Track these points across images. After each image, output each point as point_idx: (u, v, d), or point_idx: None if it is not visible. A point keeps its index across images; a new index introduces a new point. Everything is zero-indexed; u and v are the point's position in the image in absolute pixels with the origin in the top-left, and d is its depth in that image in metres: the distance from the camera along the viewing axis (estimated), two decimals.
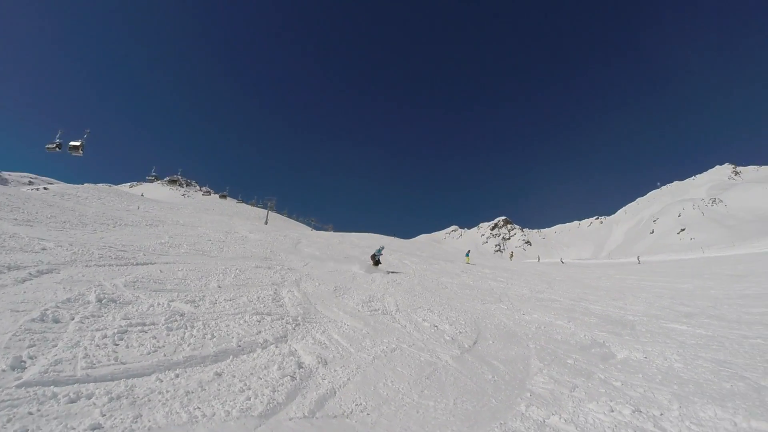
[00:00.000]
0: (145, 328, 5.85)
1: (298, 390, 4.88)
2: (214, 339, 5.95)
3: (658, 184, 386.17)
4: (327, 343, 6.86)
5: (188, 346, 5.50)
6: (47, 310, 5.75)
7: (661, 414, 5.24)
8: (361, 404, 4.86)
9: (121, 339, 5.28)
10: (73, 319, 5.66)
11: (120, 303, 6.81)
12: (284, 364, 5.49)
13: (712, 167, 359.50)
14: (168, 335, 5.75)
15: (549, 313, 12.60)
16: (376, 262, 19.11)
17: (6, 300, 5.96)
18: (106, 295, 6.98)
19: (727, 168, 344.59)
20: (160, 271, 9.95)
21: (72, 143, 34.92)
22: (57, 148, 34.57)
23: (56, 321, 5.46)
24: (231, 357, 5.45)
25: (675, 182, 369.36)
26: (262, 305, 8.50)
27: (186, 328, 6.16)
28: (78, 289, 7.08)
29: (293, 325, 7.50)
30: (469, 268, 25.54)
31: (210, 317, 6.99)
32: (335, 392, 5.05)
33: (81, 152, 35.35)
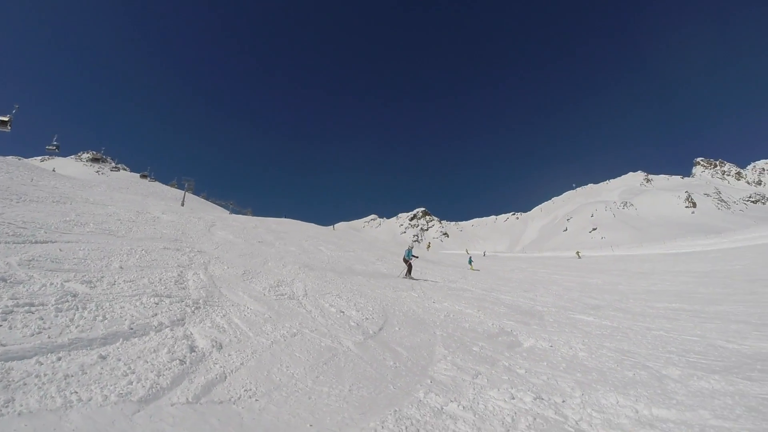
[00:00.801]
0: (33, 308, 5.72)
1: (185, 375, 4.82)
2: (105, 321, 5.88)
3: (574, 185, 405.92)
4: (226, 327, 6.85)
5: (76, 328, 5.43)
6: None
7: (563, 401, 5.46)
8: (250, 390, 4.81)
9: (5, 320, 5.16)
10: None
11: (10, 283, 6.60)
12: (175, 347, 5.49)
13: (626, 173, 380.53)
14: (56, 316, 5.65)
15: (459, 302, 13.15)
16: (410, 268, 19.26)
17: None
18: None
19: (639, 175, 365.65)
20: (60, 250, 9.58)
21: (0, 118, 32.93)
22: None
23: None
24: (121, 340, 5.40)
25: (590, 184, 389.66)
26: (163, 287, 8.36)
27: (77, 310, 6.05)
28: None
29: (193, 309, 7.43)
30: (384, 256, 26.05)
31: (105, 298, 6.85)
32: (225, 377, 5.00)
33: (9, 128, 33.58)
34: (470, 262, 33.02)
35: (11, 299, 5.87)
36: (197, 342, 5.95)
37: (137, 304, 6.97)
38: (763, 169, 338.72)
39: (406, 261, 19.42)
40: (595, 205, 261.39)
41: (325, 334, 7.59)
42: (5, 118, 33.76)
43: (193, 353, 5.47)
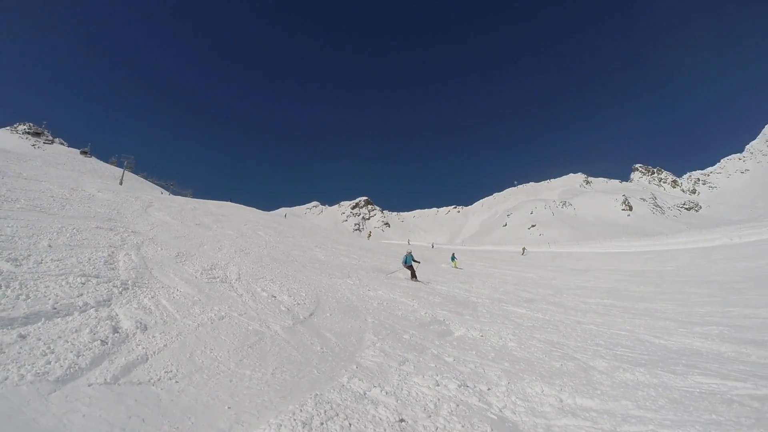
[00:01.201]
0: None
1: (106, 355, 4.88)
2: (29, 300, 5.87)
3: (515, 182, 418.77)
4: (153, 308, 6.90)
5: None
6: None
7: (489, 389, 5.77)
8: (171, 371, 4.91)
9: None
10: None
11: None
12: (98, 328, 5.55)
13: (567, 174, 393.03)
14: None
15: (395, 291, 13.42)
16: (413, 273, 19.09)
17: None
18: None
19: (579, 176, 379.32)
20: None
21: None
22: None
23: None
24: (43, 320, 5.41)
25: (531, 183, 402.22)
26: (91, 267, 8.21)
27: None
28: None
29: (120, 290, 7.39)
30: (323, 243, 26.06)
31: (30, 277, 6.74)
32: (147, 358, 5.08)
33: None
34: (453, 258, 32.38)
35: None
36: (122, 323, 6.01)
37: (63, 283, 6.88)
38: (698, 179, 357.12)
39: (408, 266, 19.40)
40: (535, 203, 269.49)
41: (254, 318, 7.72)
42: None
43: (116, 334, 5.55)
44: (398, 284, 15.47)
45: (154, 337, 5.81)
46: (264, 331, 7.07)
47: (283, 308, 8.78)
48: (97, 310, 6.21)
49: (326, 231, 47.71)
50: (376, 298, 11.75)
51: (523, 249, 71.38)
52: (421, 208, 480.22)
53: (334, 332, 7.92)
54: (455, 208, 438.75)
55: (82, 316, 5.89)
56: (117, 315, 6.27)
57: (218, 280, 9.98)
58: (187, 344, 5.85)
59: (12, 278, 6.48)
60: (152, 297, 7.49)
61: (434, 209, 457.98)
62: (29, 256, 7.88)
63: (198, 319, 6.92)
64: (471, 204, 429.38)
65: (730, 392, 5.84)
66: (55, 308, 5.85)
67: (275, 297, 9.54)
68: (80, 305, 6.21)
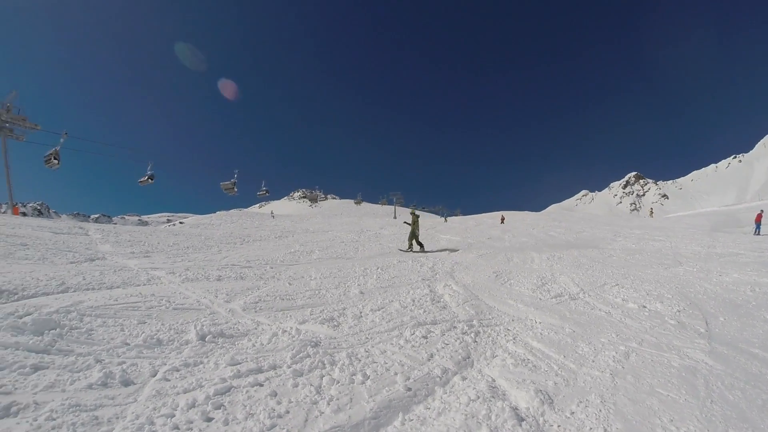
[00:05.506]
0: (261, 378, 3.65)
1: None
2: (368, 381, 3.71)
3: None
4: (529, 358, 4.52)
5: (328, 404, 3.25)
6: (120, 363, 3.75)
7: None
8: None
9: (219, 408, 3.09)
10: (154, 375, 3.59)
11: (231, 337, 4.77)
12: (493, 418, 3.13)
13: None
14: (294, 390, 3.48)
15: (743, 271, 9.82)
16: (417, 243, 15.32)
17: (65, 361, 3.71)
18: (214, 328, 4.97)
19: None
20: (289, 284, 8.24)
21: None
22: (149, 180, 35.93)
23: (126, 383, 3.38)
24: (399, 415, 3.19)
25: None
26: (420, 311, 6.38)
27: (322, 368, 3.95)
28: (175, 323, 5.18)
29: (472, 336, 5.22)
30: (620, 231, 22.60)
31: (356, 341, 4.91)
32: None
33: (235, 191, 37.46)
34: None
35: (230, 365, 3.88)
36: (513, 398, 3.55)
37: (401, 342, 4.87)
38: None
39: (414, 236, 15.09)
40: None
41: (658, 345, 5.01)
42: (146, 176, 36.71)
43: (523, 424, 3.07)
44: (737, 260, 11.33)
45: (574, 414, 3.27)
46: (694, 366, 4.31)
47: (671, 322, 5.97)
48: (464, 379, 3.95)
49: (608, 217, 43.59)
50: (739, 284, 8.30)
51: None
52: (696, 169, 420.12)
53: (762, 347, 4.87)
54: (735, 157, 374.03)
55: (449, 394, 3.61)
56: (495, 381, 3.86)
57: (565, 297, 7.59)
58: (628, 418, 3.23)
59: (335, 348, 4.58)
60: (514, 339, 5.22)
61: (712, 166, 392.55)
62: (344, 310, 6.40)
63: (600, 364, 4.35)
64: (751, 148, 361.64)
65: None
66: (408, 387, 3.60)
67: (645, 307, 6.83)
68: (438, 375, 3.95)
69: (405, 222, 17.24)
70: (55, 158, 32.40)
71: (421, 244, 15.15)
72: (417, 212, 15.93)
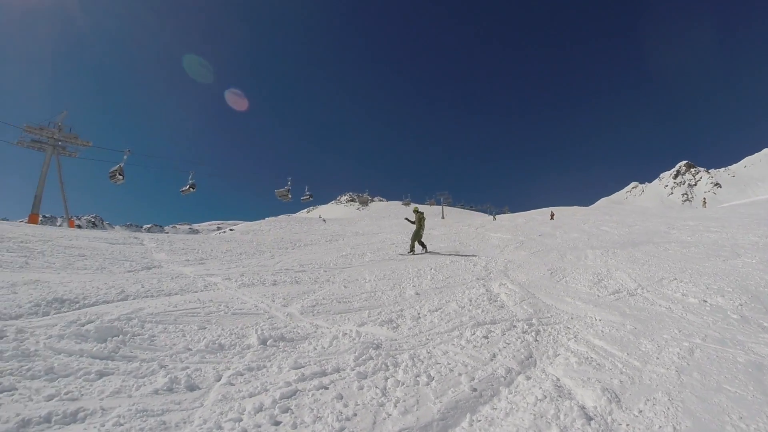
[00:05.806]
0: (325, 381, 3.60)
1: None
2: (433, 383, 3.61)
3: None
4: (592, 356, 4.39)
5: (394, 406, 3.19)
6: (184, 369, 3.77)
7: None
8: None
9: (286, 412, 3.06)
10: (218, 380, 3.59)
11: (291, 341, 4.76)
12: (562, 417, 3.03)
13: None
14: (360, 393, 3.43)
15: None
16: (420, 244, 14.52)
17: (129, 367, 3.74)
18: (275, 332, 4.97)
19: None
20: (344, 287, 8.26)
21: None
22: (191, 189, 36.71)
23: (191, 388, 3.39)
24: (467, 416, 3.11)
25: None
26: (479, 311, 6.28)
27: (386, 370, 3.90)
28: (235, 328, 5.19)
29: (533, 334, 5.11)
30: (674, 224, 21.91)
31: (417, 342, 4.83)
32: None
33: (290, 197, 38.24)
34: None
35: (294, 369, 3.84)
36: (580, 396, 3.44)
37: (462, 342, 4.78)
38: None
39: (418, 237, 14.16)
40: None
41: (723, 341, 4.87)
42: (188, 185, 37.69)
43: (591, 423, 2.98)
44: None
45: (641, 413, 3.16)
46: (758, 361, 4.19)
47: (734, 316, 5.82)
48: (528, 378, 3.84)
49: (659, 209, 42.23)
50: None
51: None
52: (749, 154, 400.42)
53: None
54: None
55: (515, 394, 3.51)
56: (560, 380, 3.75)
57: (623, 293, 7.41)
58: (698, 416, 3.11)
59: (397, 350, 4.50)
60: (575, 337, 5.09)
61: (765, 150, 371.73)
62: (402, 311, 6.35)
63: (664, 361, 4.21)
64: None
65: None
66: (474, 389, 3.50)
67: (706, 301, 6.66)
68: (502, 375, 3.85)
69: (406, 219, 16.41)
70: (120, 174, 33.70)
71: (423, 245, 14.42)
72: (421, 209, 15.33)
